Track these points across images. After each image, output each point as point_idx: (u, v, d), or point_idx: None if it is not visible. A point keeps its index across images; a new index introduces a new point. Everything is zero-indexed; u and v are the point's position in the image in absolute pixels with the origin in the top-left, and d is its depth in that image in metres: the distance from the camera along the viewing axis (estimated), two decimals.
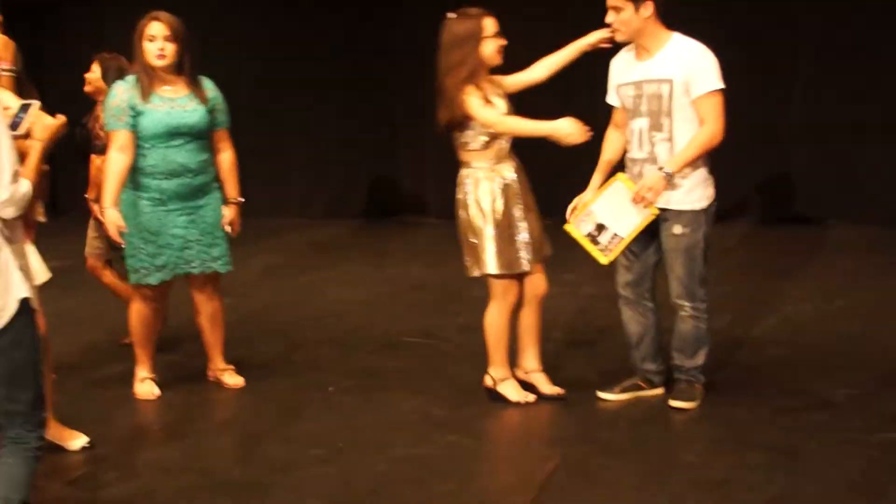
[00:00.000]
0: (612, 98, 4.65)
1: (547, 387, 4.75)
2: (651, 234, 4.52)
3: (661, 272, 4.65)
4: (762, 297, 6.50)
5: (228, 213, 4.96)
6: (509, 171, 4.58)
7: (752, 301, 6.39)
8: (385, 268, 7.94)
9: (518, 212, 4.57)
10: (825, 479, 3.82)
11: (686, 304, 4.52)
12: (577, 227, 4.48)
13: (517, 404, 4.66)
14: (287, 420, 4.62)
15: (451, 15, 4.55)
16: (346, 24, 9.91)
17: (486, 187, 4.56)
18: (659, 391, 4.75)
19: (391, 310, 6.61)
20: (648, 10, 4.35)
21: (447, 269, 7.70)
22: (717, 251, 7.74)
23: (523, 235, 4.57)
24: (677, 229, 4.45)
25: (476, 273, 4.67)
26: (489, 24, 4.50)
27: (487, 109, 4.48)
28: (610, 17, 4.41)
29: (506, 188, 4.56)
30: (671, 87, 4.36)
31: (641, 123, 4.45)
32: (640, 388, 4.74)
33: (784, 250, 7.94)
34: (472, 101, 4.46)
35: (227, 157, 4.98)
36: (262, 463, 4.15)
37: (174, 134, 4.71)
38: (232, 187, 4.98)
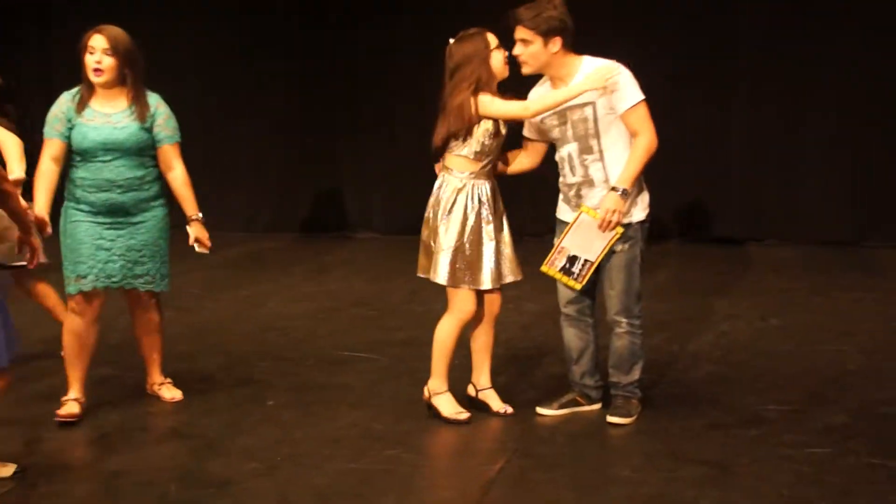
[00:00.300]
0: (528, 131, 4.71)
1: (497, 404, 4.80)
2: None
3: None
4: (699, 314, 6.61)
5: (192, 231, 4.93)
6: (486, 189, 4.62)
7: (689, 318, 6.49)
8: (327, 283, 7.94)
9: (487, 230, 4.61)
10: (756, 493, 3.89)
11: (623, 320, 4.60)
12: (552, 266, 4.57)
13: (448, 420, 4.68)
14: (225, 434, 4.59)
15: (451, 40, 4.59)
16: (288, 39, 9.90)
17: (462, 198, 4.59)
18: (596, 406, 4.81)
19: (332, 324, 6.61)
20: (556, 45, 4.43)
21: (389, 285, 7.74)
22: (657, 269, 7.88)
23: (488, 255, 4.61)
24: (618, 245, 4.52)
25: (423, 275, 4.71)
26: (492, 38, 4.56)
27: (509, 102, 4.54)
28: (518, 50, 4.45)
29: (480, 205, 4.60)
30: (594, 109, 4.44)
31: (570, 149, 4.53)
32: (579, 404, 4.80)
33: (721, 269, 8.07)
34: (492, 100, 4.50)
35: (176, 175, 4.88)
36: (199, 477, 4.12)
37: (102, 150, 4.65)
38: (188, 205, 4.91)
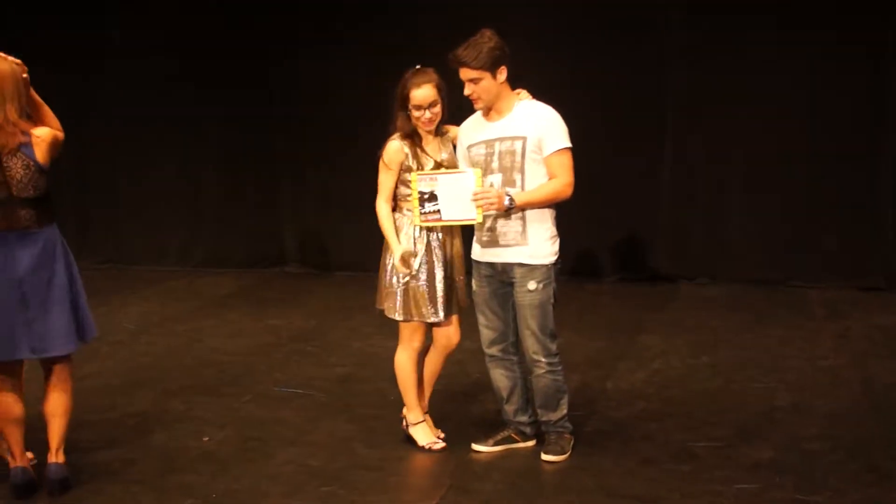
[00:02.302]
0: (462, 165, 4.74)
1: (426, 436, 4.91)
2: (506, 291, 4.65)
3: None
4: (632, 351, 6.69)
5: None
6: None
7: (622, 356, 6.57)
8: (265, 318, 7.89)
9: (436, 264, 4.70)
10: None
11: (542, 359, 4.64)
12: (419, 182, 4.57)
13: (422, 449, 4.80)
14: (161, 470, 4.55)
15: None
16: (227, 71, 9.88)
17: (406, 235, 4.69)
18: (531, 443, 4.85)
19: (270, 360, 6.57)
20: (504, 74, 4.53)
21: (327, 321, 7.72)
22: (590, 307, 7.96)
23: (435, 289, 4.69)
24: (532, 285, 4.58)
25: (380, 308, 4.81)
26: (417, 95, 4.61)
27: (381, 191, 4.69)
28: (468, 90, 4.52)
29: (428, 239, 4.69)
30: (524, 144, 4.52)
31: (494, 179, 4.57)
32: (514, 441, 4.84)
33: (653, 307, 8.18)
34: (383, 168, 4.67)
35: None
36: None
37: None
38: None
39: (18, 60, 4.18)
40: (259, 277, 9.71)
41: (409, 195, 4.61)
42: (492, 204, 4.44)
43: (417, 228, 4.67)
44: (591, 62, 9.06)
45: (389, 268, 4.72)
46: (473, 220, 4.50)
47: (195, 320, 7.81)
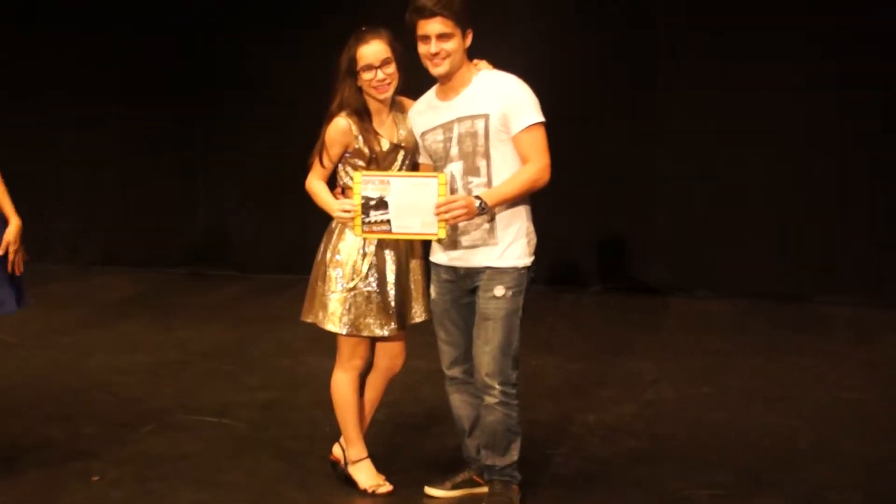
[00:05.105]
0: (422, 156, 4.71)
1: (367, 478, 4.83)
2: (471, 301, 4.60)
3: None
4: (619, 378, 6.70)
5: None
6: None
7: (608, 383, 6.58)
8: (172, 329, 7.85)
9: (388, 270, 4.66)
10: None
11: (496, 384, 4.54)
12: (364, 185, 4.44)
13: (364, 493, 4.74)
14: None
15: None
16: (136, 58, 9.95)
17: (352, 237, 4.62)
18: None
19: (178, 381, 6.53)
20: (469, 39, 4.50)
21: (248, 334, 7.67)
22: (570, 322, 7.97)
23: (387, 297, 4.66)
24: (499, 290, 4.52)
25: (311, 320, 4.74)
26: (368, 53, 4.56)
27: (313, 172, 4.67)
28: (436, 47, 4.43)
29: (378, 243, 4.64)
30: (486, 123, 4.46)
31: (454, 168, 4.52)
32: (475, 484, 4.80)
33: (645, 324, 8.22)
34: (320, 150, 4.63)
35: None
36: None
37: None
38: None
39: None
40: (164, 279, 9.66)
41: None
42: (459, 216, 4.37)
43: None
44: (583, 52, 9.15)
45: (332, 269, 4.65)
46: (434, 234, 4.42)
47: (84, 331, 7.76)
